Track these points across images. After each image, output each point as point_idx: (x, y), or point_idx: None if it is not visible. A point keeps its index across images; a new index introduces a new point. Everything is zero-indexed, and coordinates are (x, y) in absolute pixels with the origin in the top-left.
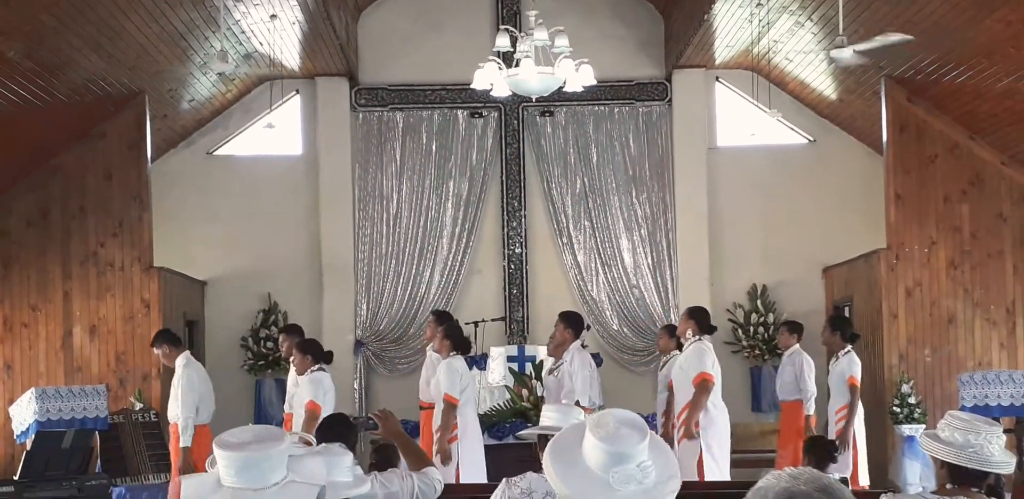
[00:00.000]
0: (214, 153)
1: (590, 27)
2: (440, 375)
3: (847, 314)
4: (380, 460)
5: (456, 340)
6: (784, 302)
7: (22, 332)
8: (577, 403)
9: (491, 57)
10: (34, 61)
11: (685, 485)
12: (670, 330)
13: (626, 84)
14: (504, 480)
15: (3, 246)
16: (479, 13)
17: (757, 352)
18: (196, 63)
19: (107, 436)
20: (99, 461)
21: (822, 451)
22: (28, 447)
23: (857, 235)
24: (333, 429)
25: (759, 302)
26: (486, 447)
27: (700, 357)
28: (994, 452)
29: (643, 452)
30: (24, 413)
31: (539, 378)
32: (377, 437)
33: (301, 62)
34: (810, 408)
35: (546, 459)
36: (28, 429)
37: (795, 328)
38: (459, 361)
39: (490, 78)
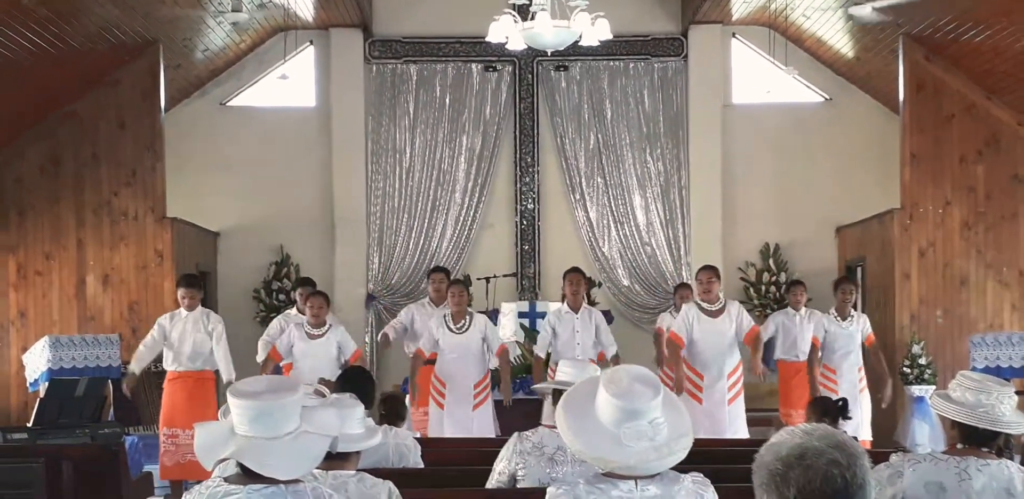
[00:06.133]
0: (227, 104)
1: None
2: (491, 330)
3: (860, 274)
4: (388, 411)
5: None
6: (796, 261)
7: (36, 280)
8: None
9: (506, 10)
10: (48, 8)
11: (697, 442)
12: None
13: (642, 39)
14: (515, 434)
15: (18, 192)
16: None
17: (768, 311)
18: (210, 12)
19: (119, 385)
20: (112, 410)
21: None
22: (41, 395)
23: (871, 195)
24: (353, 381)
25: (771, 261)
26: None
27: None
28: (1005, 412)
29: (655, 409)
30: (37, 361)
31: None
32: (387, 390)
33: (315, 13)
34: None
35: (559, 413)
36: (41, 377)
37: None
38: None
39: (505, 31)
